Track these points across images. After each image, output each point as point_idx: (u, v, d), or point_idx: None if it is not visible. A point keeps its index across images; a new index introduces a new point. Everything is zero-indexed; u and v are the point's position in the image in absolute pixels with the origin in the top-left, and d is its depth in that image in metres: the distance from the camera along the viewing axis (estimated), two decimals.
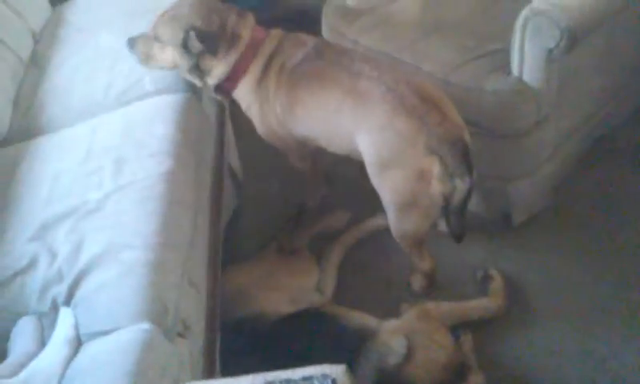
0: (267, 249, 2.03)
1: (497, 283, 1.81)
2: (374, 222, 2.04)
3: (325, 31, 2.11)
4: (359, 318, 1.70)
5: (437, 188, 1.56)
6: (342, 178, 2.19)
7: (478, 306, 1.78)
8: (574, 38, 1.53)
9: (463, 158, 1.53)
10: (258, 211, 2.23)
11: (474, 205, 1.94)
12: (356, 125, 1.61)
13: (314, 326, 1.67)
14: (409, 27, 1.95)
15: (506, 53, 1.73)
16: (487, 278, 1.84)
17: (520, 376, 1.68)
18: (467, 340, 1.69)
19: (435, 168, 1.53)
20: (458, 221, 1.66)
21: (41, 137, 1.86)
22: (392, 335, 1.61)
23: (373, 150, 1.60)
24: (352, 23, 2.01)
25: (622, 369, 1.63)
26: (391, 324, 1.67)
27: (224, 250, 1.86)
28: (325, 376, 1.12)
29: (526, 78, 1.69)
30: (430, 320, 1.69)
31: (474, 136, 1.59)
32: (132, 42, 1.81)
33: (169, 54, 1.74)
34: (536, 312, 1.80)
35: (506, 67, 1.74)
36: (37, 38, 2.29)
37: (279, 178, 2.26)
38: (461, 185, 1.55)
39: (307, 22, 2.12)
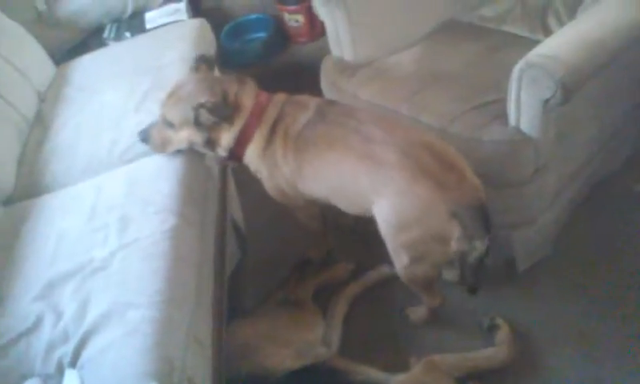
0: (271, 301, 2.02)
1: (504, 332, 1.80)
2: (378, 273, 2.04)
3: (324, 85, 2.16)
4: (368, 373, 1.68)
5: (455, 248, 1.57)
6: (344, 228, 2.20)
7: (485, 356, 1.77)
8: (569, 89, 1.56)
9: (482, 219, 1.55)
10: (261, 263, 2.23)
11: None
12: (374, 190, 1.62)
13: (323, 382, 1.65)
14: (406, 80, 2.00)
15: (502, 103, 1.76)
16: (494, 327, 1.83)
17: None
18: None
19: (456, 232, 1.54)
20: (474, 276, 1.67)
21: (46, 195, 1.88)
22: None
23: (392, 214, 1.61)
24: (350, 77, 2.05)
25: None
26: (400, 378, 1.66)
27: (227, 304, 1.85)
28: None
29: (524, 127, 1.72)
30: (438, 372, 1.68)
31: None
32: (144, 134, 1.83)
33: (184, 135, 1.77)
34: (543, 359, 1.79)
35: (503, 117, 1.77)
36: (42, 98, 2.34)
37: (282, 230, 2.26)
38: (479, 245, 1.57)
39: (308, 74, 2.17)
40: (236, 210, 2.24)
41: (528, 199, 1.82)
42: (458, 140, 1.75)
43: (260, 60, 3.05)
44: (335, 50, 2.12)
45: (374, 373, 1.69)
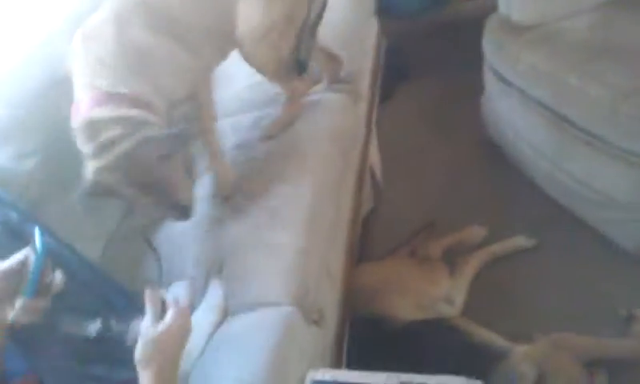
0: (400, 253, 2.05)
1: None
2: (512, 243, 1.99)
3: (486, 43, 2.08)
4: (489, 337, 1.66)
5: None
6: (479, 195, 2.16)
7: (618, 345, 1.67)
8: None
9: None
10: (392, 215, 2.25)
11: (617, 236, 1.87)
12: None
13: (443, 337, 1.66)
14: (577, 47, 1.86)
15: None
16: (631, 318, 1.72)
17: None
18: (602, 380, 1.60)
19: None
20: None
21: None
22: (524, 360, 1.56)
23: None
24: (517, 38, 1.96)
25: None
26: (524, 349, 1.61)
27: (358, 248, 1.90)
28: None
29: None
30: (564, 352, 1.61)
31: None
32: None
33: None
34: None
35: None
36: None
37: (417, 189, 2.27)
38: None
39: (470, 31, 2.10)
40: (375, 160, 2.26)
41: None
42: (630, 120, 1.61)
43: (422, 12, 2.97)
44: (503, 8, 2.02)
45: (495, 338, 1.66)
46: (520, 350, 1.61)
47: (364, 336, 1.71)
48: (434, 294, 1.85)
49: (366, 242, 2.07)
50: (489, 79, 2.16)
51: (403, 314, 1.73)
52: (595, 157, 1.77)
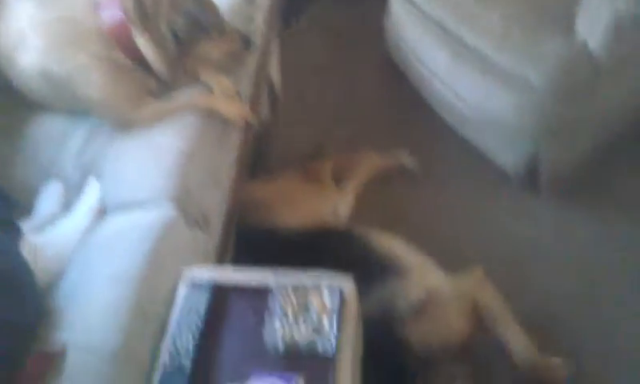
0: (291, 172, 2.05)
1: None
2: (396, 159, 2.06)
3: None
4: (391, 249, 1.62)
5: None
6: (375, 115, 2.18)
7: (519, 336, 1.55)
8: None
9: None
10: (288, 134, 2.23)
11: (500, 159, 1.96)
12: None
13: (340, 246, 1.65)
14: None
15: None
16: None
17: None
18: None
19: None
20: None
21: None
22: (417, 285, 1.52)
23: None
24: None
25: None
26: (426, 275, 1.57)
27: (250, 164, 1.88)
28: (333, 284, 1.14)
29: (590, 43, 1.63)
30: (471, 301, 1.54)
31: None
32: None
33: None
34: None
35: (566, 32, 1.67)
36: None
37: (315, 111, 2.27)
38: None
39: None
40: (275, 75, 2.21)
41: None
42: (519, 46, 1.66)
43: None
44: None
45: (400, 253, 1.61)
46: (422, 274, 1.58)
47: (255, 246, 1.70)
48: (323, 208, 1.86)
49: (261, 160, 2.05)
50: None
51: (291, 223, 1.74)
52: (484, 80, 1.82)
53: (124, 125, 1.49)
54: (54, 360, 1.09)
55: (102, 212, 1.37)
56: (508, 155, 1.95)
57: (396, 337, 1.43)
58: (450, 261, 1.63)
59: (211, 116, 1.54)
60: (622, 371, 1.59)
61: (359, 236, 1.66)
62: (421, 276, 1.56)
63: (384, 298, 1.50)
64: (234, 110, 1.60)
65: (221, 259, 1.56)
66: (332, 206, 1.87)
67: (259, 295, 1.16)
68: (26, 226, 1.32)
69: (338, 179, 1.97)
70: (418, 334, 1.45)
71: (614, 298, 1.72)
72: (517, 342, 1.53)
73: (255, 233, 1.70)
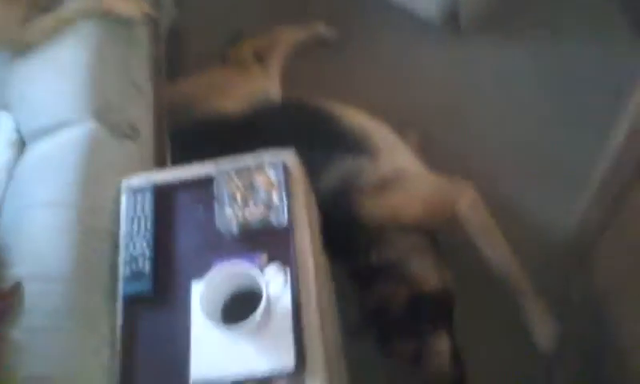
0: (213, 65, 1.98)
1: None
2: (313, 29, 2.03)
3: None
4: (362, 125, 1.60)
5: None
6: None
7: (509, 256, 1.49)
8: None
9: None
10: (201, 29, 2.11)
11: (422, 9, 1.94)
12: None
13: (308, 121, 1.61)
14: None
15: None
16: None
17: None
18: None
19: None
20: None
21: None
22: (386, 164, 1.53)
23: None
24: None
25: None
26: (397, 157, 1.57)
27: (169, 63, 1.79)
28: (275, 160, 1.14)
29: None
30: (444, 200, 1.51)
31: None
32: None
33: None
34: None
35: None
36: None
37: None
38: None
39: None
40: None
41: None
42: None
43: None
44: None
45: (374, 132, 1.59)
46: (395, 155, 1.57)
47: (194, 144, 1.64)
48: (253, 88, 1.82)
49: (179, 60, 1.96)
50: None
51: (231, 109, 1.70)
52: None
53: (21, 48, 1.39)
54: (11, 297, 1.06)
55: (22, 142, 1.30)
56: (428, 2, 1.93)
57: (349, 208, 1.46)
58: (389, 121, 1.65)
59: (110, 18, 1.44)
60: None
61: (323, 109, 1.62)
62: (391, 156, 1.56)
63: (350, 172, 1.50)
64: (131, 5, 1.50)
65: (160, 164, 1.52)
66: (261, 84, 1.83)
67: (204, 187, 1.15)
68: None
69: (260, 60, 1.92)
70: (370, 207, 1.47)
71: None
72: (503, 264, 1.47)
73: (192, 132, 1.66)
